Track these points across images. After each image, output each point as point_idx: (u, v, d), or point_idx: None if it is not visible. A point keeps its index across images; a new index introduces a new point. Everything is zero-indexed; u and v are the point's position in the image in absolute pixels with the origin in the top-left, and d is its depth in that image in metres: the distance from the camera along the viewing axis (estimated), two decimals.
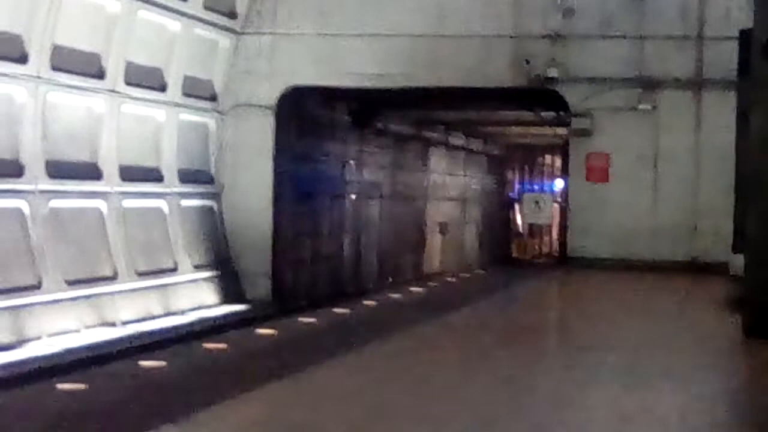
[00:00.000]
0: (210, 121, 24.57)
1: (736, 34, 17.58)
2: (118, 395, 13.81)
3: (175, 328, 20.56)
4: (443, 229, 36.23)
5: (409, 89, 25.14)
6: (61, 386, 13.88)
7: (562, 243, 26.22)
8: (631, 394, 10.44)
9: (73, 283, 19.41)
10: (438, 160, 36.12)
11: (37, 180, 18.95)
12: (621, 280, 22.34)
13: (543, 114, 29.27)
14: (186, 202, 23.63)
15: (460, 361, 12.28)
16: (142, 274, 21.58)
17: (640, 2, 24.13)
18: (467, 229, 39.52)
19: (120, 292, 20.68)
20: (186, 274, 23.13)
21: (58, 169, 19.45)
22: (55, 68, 19.13)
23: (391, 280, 31.28)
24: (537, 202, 33.29)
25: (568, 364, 12.36)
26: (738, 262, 15.34)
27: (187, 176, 23.64)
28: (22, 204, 18.62)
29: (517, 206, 42.43)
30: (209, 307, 23.42)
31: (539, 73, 24.22)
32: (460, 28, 24.32)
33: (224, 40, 24.40)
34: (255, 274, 24.64)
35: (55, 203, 19.37)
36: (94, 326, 19.49)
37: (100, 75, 20.55)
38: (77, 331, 19.01)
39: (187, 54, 23.16)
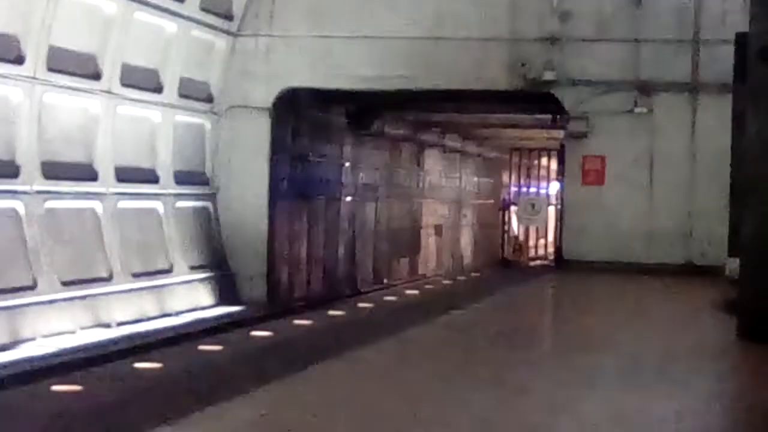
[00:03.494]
0: (206, 123, 24.57)
1: (732, 37, 17.62)
2: (113, 397, 13.78)
3: (171, 329, 20.55)
4: (438, 231, 36.25)
5: (406, 92, 25.16)
6: (55, 387, 13.85)
7: (558, 246, 26.19)
8: (627, 396, 10.45)
9: (68, 284, 19.41)
10: (434, 162, 36.14)
11: (32, 180, 18.95)
12: (615, 282, 22.33)
13: (539, 117, 29.28)
14: (181, 204, 23.63)
15: (455, 364, 12.27)
16: (138, 275, 21.59)
17: (637, 6, 24.16)
18: (462, 232, 39.55)
19: (115, 293, 20.68)
20: (181, 276, 23.13)
21: (53, 170, 19.45)
22: (51, 69, 19.13)
23: (386, 281, 31.28)
24: (533, 205, 33.27)
25: (563, 367, 12.35)
26: (733, 265, 15.34)
27: (182, 177, 23.64)
28: (17, 204, 18.63)
29: (512, 209, 42.43)
30: (204, 308, 23.42)
31: (535, 76, 24.25)
32: (457, 31, 24.33)
33: (221, 42, 24.41)
34: (250, 275, 24.63)
35: (51, 204, 19.37)
36: (89, 327, 19.49)
37: (96, 76, 20.56)
38: (72, 332, 19.01)
39: (183, 55, 23.15)
